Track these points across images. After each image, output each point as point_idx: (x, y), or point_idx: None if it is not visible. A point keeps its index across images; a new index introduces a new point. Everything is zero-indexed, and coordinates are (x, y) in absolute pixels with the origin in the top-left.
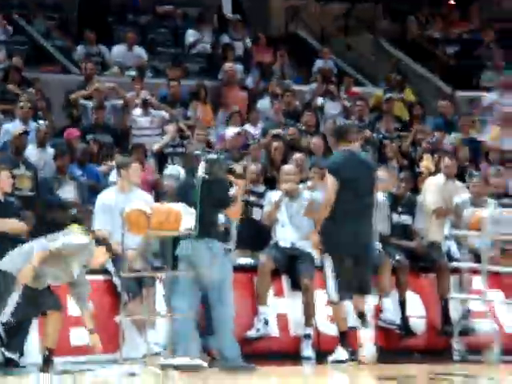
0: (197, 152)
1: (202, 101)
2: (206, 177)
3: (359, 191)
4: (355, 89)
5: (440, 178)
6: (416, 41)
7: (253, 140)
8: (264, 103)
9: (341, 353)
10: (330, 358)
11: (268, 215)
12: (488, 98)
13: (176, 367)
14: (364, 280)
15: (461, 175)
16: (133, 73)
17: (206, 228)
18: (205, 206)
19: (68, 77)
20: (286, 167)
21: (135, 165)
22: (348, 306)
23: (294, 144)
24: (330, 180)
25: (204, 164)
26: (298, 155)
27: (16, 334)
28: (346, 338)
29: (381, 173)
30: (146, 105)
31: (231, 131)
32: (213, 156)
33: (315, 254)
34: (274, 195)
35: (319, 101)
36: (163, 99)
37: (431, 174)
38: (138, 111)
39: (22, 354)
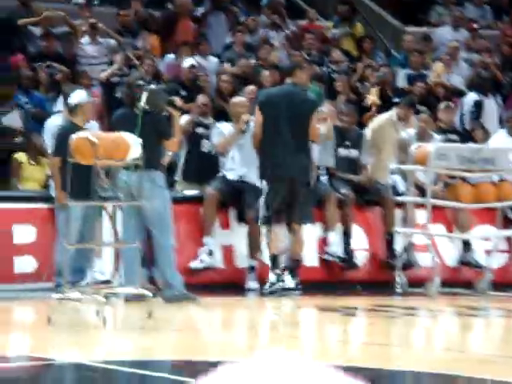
0: (138, 82)
1: (151, 30)
2: (147, 108)
3: (285, 124)
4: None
5: (393, 115)
6: None
7: (203, 72)
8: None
9: (270, 277)
10: (264, 287)
11: (224, 144)
12: (438, 33)
13: (120, 296)
14: (293, 210)
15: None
16: (80, 0)
17: (148, 159)
18: (146, 137)
19: (7, 2)
20: (239, 99)
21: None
22: (281, 231)
23: (246, 76)
24: (256, 115)
25: (145, 95)
26: (250, 87)
27: None
28: (276, 261)
29: (325, 107)
30: (94, 32)
31: (187, 63)
32: (154, 87)
33: (263, 186)
34: (223, 126)
35: (266, 34)
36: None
37: (378, 107)
38: (85, 39)
39: None
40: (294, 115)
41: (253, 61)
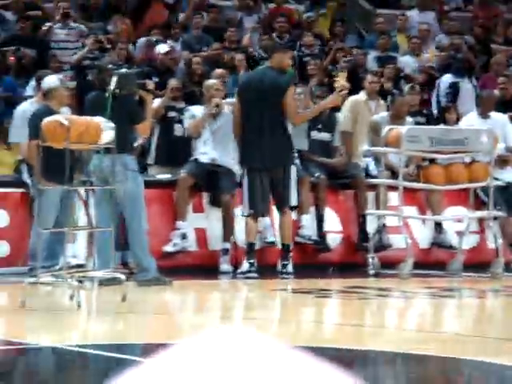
0: (109, 66)
1: (123, 14)
2: (117, 91)
3: (257, 109)
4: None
5: (361, 95)
6: None
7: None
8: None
9: (244, 265)
10: (237, 271)
11: (194, 126)
12: (409, 16)
13: (94, 280)
14: (279, 195)
15: (385, 93)
16: None
17: (119, 143)
18: (116, 120)
19: None
20: (212, 81)
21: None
22: (264, 220)
23: (216, 60)
24: (235, 101)
25: (115, 78)
26: (220, 71)
27: None
28: (251, 250)
29: (299, 90)
30: (66, 17)
31: (163, 49)
32: (124, 70)
33: (236, 169)
34: (195, 109)
35: (238, 15)
36: (83, 10)
37: (349, 91)
38: (57, 24)
39: None
40: (264, 99)
41: (220, 44)
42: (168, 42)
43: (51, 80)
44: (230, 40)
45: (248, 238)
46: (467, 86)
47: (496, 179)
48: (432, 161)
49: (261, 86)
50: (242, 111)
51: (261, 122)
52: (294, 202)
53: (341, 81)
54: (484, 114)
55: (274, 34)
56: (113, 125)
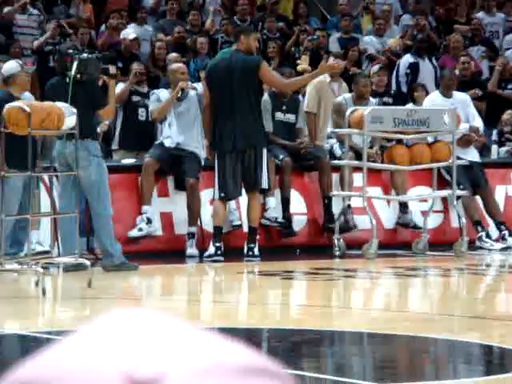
0: (70, 51)
1: None
2: (78, 76)
3: (228, 92)
4: None
5: (324, 77)
6: None
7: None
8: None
9: (210, 248)
10: (204, 255)
11: (159, 110)
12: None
13: (59, 266)
14: (250, 177)
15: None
16: None
17: (82, 128)
18: (78, 106)
19: None
20: (177, 65)
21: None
22: (229, 203)
23: (179, 43)
24: (204, 85)
25: (76, 63)
26: (174, 55)
27: None
28: (218, 233)
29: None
30: (26, 1)
31: (130, 34)
32: (85, 55)
33: (202, 153)
34: (161, 93)
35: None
36: None
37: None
38: (18, 9)
39: None
40: (235, 81)
41: (185, 28)
42: (132, 26)
43: (11, 65)
44: (193, 24)
45: (215, 222)
46: (427, 66)
47: (459, 158)
48: (397, 141)
49: (231, 68)
50: (212, 95)
51: (231, 104)
52: (264, 184)
53: (303, 64)
54: (446, 94)
55: (236, 17)
56: (75, 110)
